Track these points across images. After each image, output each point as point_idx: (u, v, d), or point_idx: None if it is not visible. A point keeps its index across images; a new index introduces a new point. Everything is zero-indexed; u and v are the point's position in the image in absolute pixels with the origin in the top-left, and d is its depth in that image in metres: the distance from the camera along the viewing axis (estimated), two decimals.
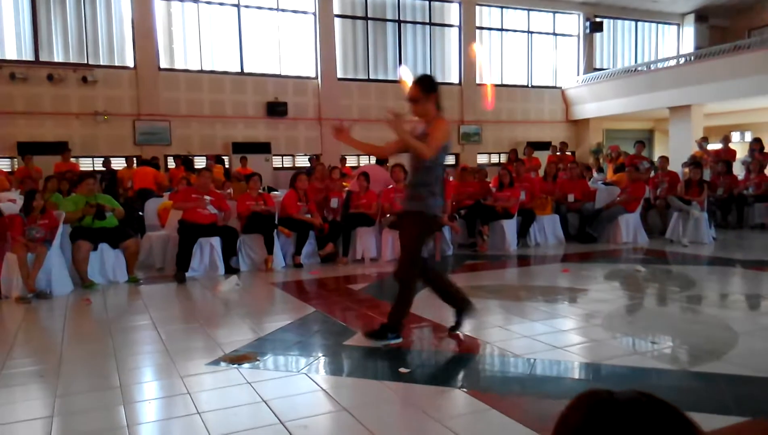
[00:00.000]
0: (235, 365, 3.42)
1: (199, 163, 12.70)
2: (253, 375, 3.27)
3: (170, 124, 13.55)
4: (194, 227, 6.48)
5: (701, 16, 19.15)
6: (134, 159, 12.01)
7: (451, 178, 9.68)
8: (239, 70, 14.43)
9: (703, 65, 14.87)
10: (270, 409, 2.78)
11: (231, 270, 6.58)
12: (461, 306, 3.99)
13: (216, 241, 6.59)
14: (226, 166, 13.48)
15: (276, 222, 7.06)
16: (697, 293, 5.32)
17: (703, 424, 2.34)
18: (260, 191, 7.60)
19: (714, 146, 12.30)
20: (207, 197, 6.70)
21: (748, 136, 15.00)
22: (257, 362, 3.50)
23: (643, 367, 3.35)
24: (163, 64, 13.75)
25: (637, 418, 0.72)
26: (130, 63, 13.39)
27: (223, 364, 3.47)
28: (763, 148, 10.76)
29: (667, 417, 0.72)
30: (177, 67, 13.92)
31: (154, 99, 13.49)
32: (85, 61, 12.94)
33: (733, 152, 11.55)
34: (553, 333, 4.05)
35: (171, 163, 13.05)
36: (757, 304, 4.98)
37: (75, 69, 12.73)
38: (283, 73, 14.86)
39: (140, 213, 8.15)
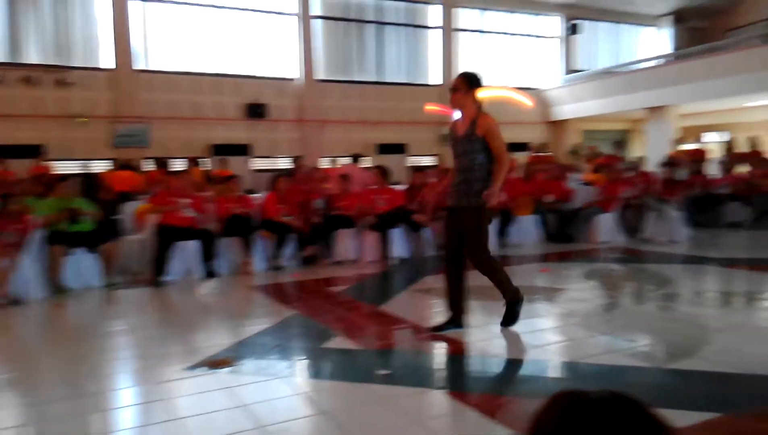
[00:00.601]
0: (214, 370, 3.39)
1: (178, 165, 12.57)
2: (232, 379, 3.25)
3: (148, 126, 13.39)
4: (172, 230, 6.42)
5: (679, 18, 19.44)
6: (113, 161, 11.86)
7: (431, 180, 9.71)
8: (218, 72, 14.32)
9: (680, 66, 15.11)
10: (249, 413, 2.76)
11: (210, 273, 6.53)
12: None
13: (194, 244, 6.52)
14: (206, 169, 13.36)
15: (256, 224, 7.02)
16: (672, 291, 5.40)
17: (677, 420, 2.38)
18: (240, 194, 7.54)
19: (689, 146, 12.50)
20: (185, 200, 6.63)
21: (723, 136, 15.27)
22: (236, 366, 3.47)
23: (620, 365, 3.39)
24: (140, 66, 13.60)
25: (610, 417, 0.73)
26: (107, 65, 13.22)
27: (201, 369, 3.44)
28: (736, 148, 10.96)
29: (639, 416, 0.74)
30: (154, 68, 13.77)
31: (132, 101, 13.32)
32: (61, 63, 12.74)
33: (709, 152, 11.75)
34: (532, 332, 4.08)
35: (150, 166, 12.89)
36: (730, 302, 5.07)
37: (51, 71, 12.52)
38: (263, 75, 14.78)
39: (118, 216, 8.04)
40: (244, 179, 11.19)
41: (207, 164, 13.72)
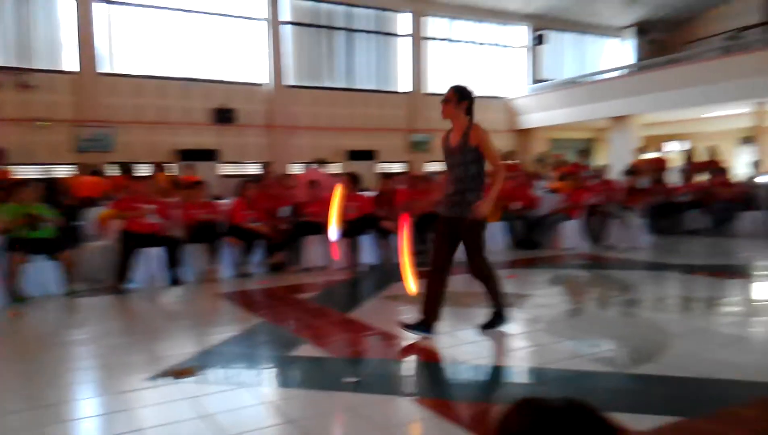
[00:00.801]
0: (178, 379, 3.34)
1: (144, 170, 12.35)
2: (197, 389, 3.20)
3: (112, 130, 13.13)
4: (136, 237, 6.30)
5: (641, 30, 19.98)
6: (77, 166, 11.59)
7: (400, 187, 9.75)
8: (185, 76, 14.15)
9: (642, 77, 15.53)
10: (213, 424, 2.72)
11: (175, 281, 6.42)
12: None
13: (159, 251, 6.41)
14: (172, 174, 13.15)
15: (223, 231, 6.94)
16: (634, 297, 5.53)
17: (638, 424, 2.43)
18: (206, 199, 7.45)
19: (651, 155, 12.83)
20: (150, 206, 6.52)
21: (683, 146, 15.72)
22: (200, 376, 3.42)
23: (584, 370, 3.46)
24: (105, 69, 13.34)
25: (567, 424, 0.76)
26: (70, 67, 12.93)
27: (164, 378, 3.37)
28: (695, 157, 11.29)
29: (594, 422, 0.77)
30: (119, 72, 13.53)
31: (96, 105, 13.05)
32: (23, 66, 12.41)
33: (669, 161, 12.07)
34: (499, 338, 4.13)
35: (114, 171, 12.63)
36: (689, 307, 5.21)
37: (12, 73, 12.18)
38: (231, 80, 14.66)
39: (80, 222, 7.86)
40: (211, 185, 11.07)
41: (173, 169, 13.52)
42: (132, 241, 6.25)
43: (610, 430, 0.76)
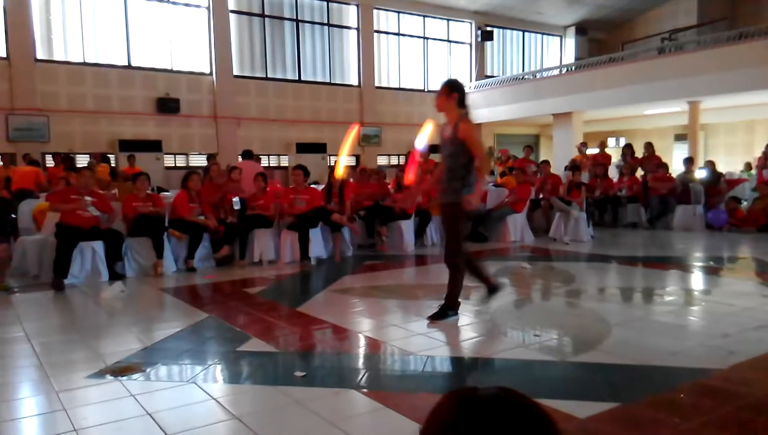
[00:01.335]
0: (119, 377, 3.23)
1: (82, 161, 11.88)
2: (139, 387, 3.10)
3: (48, 119, 12.56)
4: (74, 230, 6.05)
5: (581, 29, 20.59)
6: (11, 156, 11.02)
7: (351, 180, 9.73)
8: (127, 64, 13.66)
9: (583, 75, 16.01)
10: (155, 422, 2.65)
11: (116, 276, 6.20)
12: (490, 285, 4.49)
13: (98, 245, 6.18)
14: (113, 165, 12.71)
15: (166, 224, 6.75)
16: (576, 288, 5.71)
17: (580, 411, 2.51)
18: (149, 192, 7.23)
19: (592, 151, 13.25)
20: (88, 198, 6.27)
21: (622, 142, 16.32)
22: (143, 373, 3.32)
23: (528, 359, 3.55)
24: (41, 55, 12.73)
25: (498, 414, 0.77)
26: (3, 53, 12.27)
27: (105, 376, 3.26)
28: (634, 153, 11.73)
29: (525, 412, 0.78)
30: (56, 58, 12.94)
31: (30, 92, 12.45)
32: None
33: (609, 157, 12.51)
34: (447, 329, 4.18)
35: (50, 162, 12.10)
36: (629, 297, 5.42)
37: None
38: (175, 69, 14.25)
39: (13, 215, 7.49)
40: (154, 176, 10.75)
41: (114, 161, 13.07)
42: (70, 235, 6.00)
43: (539, 418, 0.78)
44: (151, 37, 13.95)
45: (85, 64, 13.17)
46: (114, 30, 13.51)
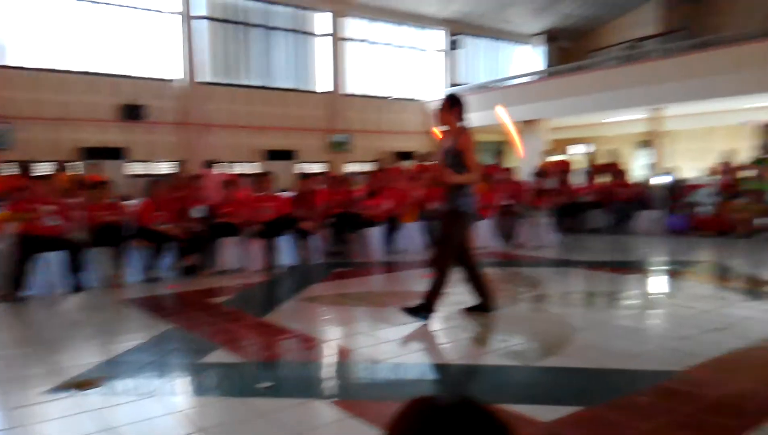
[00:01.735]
0: (79, 391, 3.15)
1: (44, 169, 11.57)
2: (99, 401, 3.03)
3: (9, 127, 12.21)
4: (34, 240, 5.88)
5: (549, 38, 20.95)
6: None
7: (320, 187, 9.70)
8: (90, 70, 13.37)
9: (549, 83, 16.29)
10: None
11: (77, 287, 6.05)
12: (485, 299, 4.61)
13: (59, 255, 6.02)
14: (76, 173, 12.41)
15: (130, 233, 6.61)
16: (542, 293, 5.79)
17: (545, 415, 2.53)
18: (112, 200, 7.08)
19: (557, 157, 13.48)
20: (49, 207, 6.11)
21: (587, 149, 16.62)
22: (104, 387, 3.24)
23: (495, 364, 3.58)
24: (0, 61, 12.38)
25: (457, 422, 0.78)
26: None
27: (63, 391, 3.17)
28: (598, 159, 11.97)
29: (483, 420, 0.79)
30: (15, 64, 12.59)
31: None
32: None
33: (574, 163, 12.73)
34: (413, 337, 4.19)
35: (11, 170, 11.74)
36: (593, 302, 5.51)
37: None
38: (140, 75, 14.00)
39: None
40: (118, 185, 10.53)
41: (77, 169, 12.77)
42: (30, 245, 5.84)
43: (498, 427, 0.79)
44: (116, 43, 13.69)
45: (46, 69, 12.86)
46: (77, 35, 13.23)
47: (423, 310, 4.43)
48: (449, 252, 4.44)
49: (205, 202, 7.61)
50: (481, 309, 4.66)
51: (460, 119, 4.46)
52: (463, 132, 4.41)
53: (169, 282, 6.54)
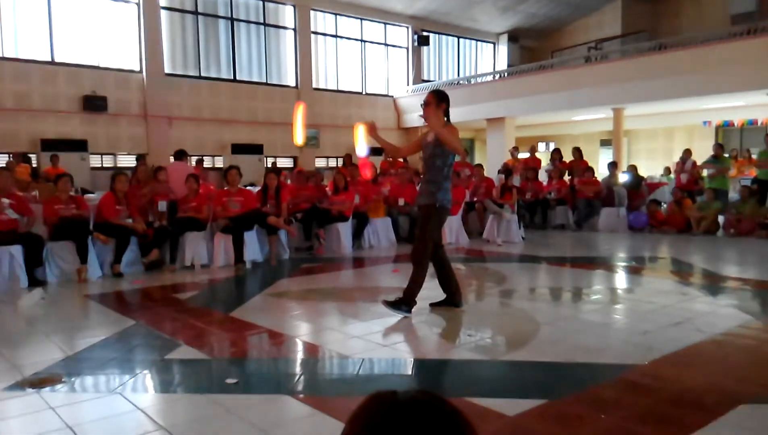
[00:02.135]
0: (37, 389, 3.06)
1: (1, 161, 11.20)
2: (59, 399, 2.95)
3: None
4: None
5: (513, 37, 21.21)
6: None
7: (288, 182, 9.63)
8: (49, 59, 12.98)
9: (514, 81, 16.50)
10: (81, 433, 2.53)
11: (35, 282, 5.88)
12: (453, 295, 4.67)
13: (17, 249, 5.84)
14: (34, 166, 12.04)
15: (91, 227, 6.45)
16: (508, 288, 5.87)
17: (510, 409, 2.56)
18: (72, 193, 6.89)
19: (523, 155, 13.65)
20: (6, 200, 5.92)
21: (552, 147, 16.90)
22: (64, 384, 3.16)
23: (461, 359, 3.61)
24: None
25: (416, 417, 0.78)
26: None
27: (23, 388, 3.08)
28: (562, 157, 12.17)
29: (442, 414, 0.80)
30: None
31: None
32: None
33: (539, 161, 12.93)
34: (383, 332, 4.20)
35: None
36: (558, 297, 5.61)
37: None
38: (102, 65, 13.65)
39: None
40: (79, 178, 10.25)
41: (35, 161, 12.39)
42: None
43: (457, 421, 0.80)
44: (76, 32, 13.31)
45: (3, 59, 12.42)
46: (36, 24, 12.81)
47: (403, 303, 4.47)
48: (427, 246, 4.46)
49: (169, 196, 7.46)
50: (449, 304, 4.70)
51: (446, 117, 4.48)
52: (450, 125, 4.47)
53: (132, 277, 6.41)
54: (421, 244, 4.48)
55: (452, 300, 4.71)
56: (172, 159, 10.95)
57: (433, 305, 4.73)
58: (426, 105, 4.46)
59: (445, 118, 4.47)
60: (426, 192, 4.45)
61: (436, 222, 4.48)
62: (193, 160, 13.25)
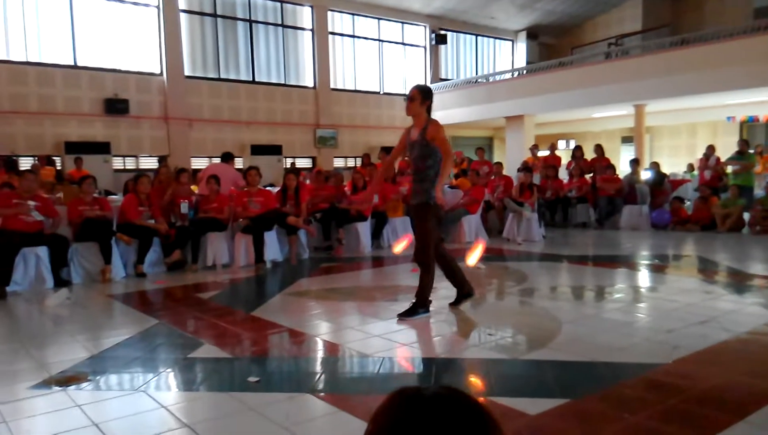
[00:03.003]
0: (64, 387, 3.11)
1: (26, 164, 11.42)
2: (85, 397, 3.00)
3: None
4: (16, 236, 5.80)
5: (532, 34, 21.04)
6: None
7: (307, 182, 9.67)
8: (72, 63, 13.19)
9: (534, 79, 16.36)
10: (102, 432, 2.57)
11: (61, 282, 5.98)
12: (462, 286, 4.63)
13: (43, 250, 5.95)
14: (59, 168, 12.25)
15: (114, 228, 6.55)
16: (529, 287, 5.82)
17: (530, 407, 2.55)
18: (96, 195, 7.00)
19: (543, 153, 13.55)
20: (31, 202, 6.03)
21: (572, 144, 16.73)
22: (89, 382, 3.21)
23: (482, 358, 3.59)
24: None
25: (440, 412, 0.78)
26: None
27: (49, 386, 3.14)
28: (583, 155, 12.04)
29: (467, 409, 0.79)
30: None
31: None
32: None
33: (559, 159, 12.81)
34: (402, 331, 4.20)
35: None
36: (579, 296, 5.56)
37: None
38: (123, 69, 13.84)
39: None
40: (102, 179, 10.41)
41: (60, 163, 12.60)
42: (12, 241, 5.76)
43: (481, 416, 0.79)
44: (98, 36, 13.52)
45: (27, 63, 12.67)
46: (59, 28, 13.04)
47: (419, 307, 4.47)
48: (429, 246, 4.43)
49: (190, 197, 7.54)
50: (464, 297, 4.68)
51: (430, 112, 4.43)
52: (432, 122, 4.38)
53: (155, 277, 6.49)
54: (422, 245, 4.42)
55: (463, 292, 4.67)
56: (218, 160, 11.00)
57: (451, 305, 4.71)
58: (411, 100, 4.40)
59: (428, 114, 4.42)
60: (419, 191, 4.39)
61: (434, 219, 4.42)
62: (215, 160, 13.36)
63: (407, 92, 4.52)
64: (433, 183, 4.32)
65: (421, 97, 4.37)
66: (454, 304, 4.70)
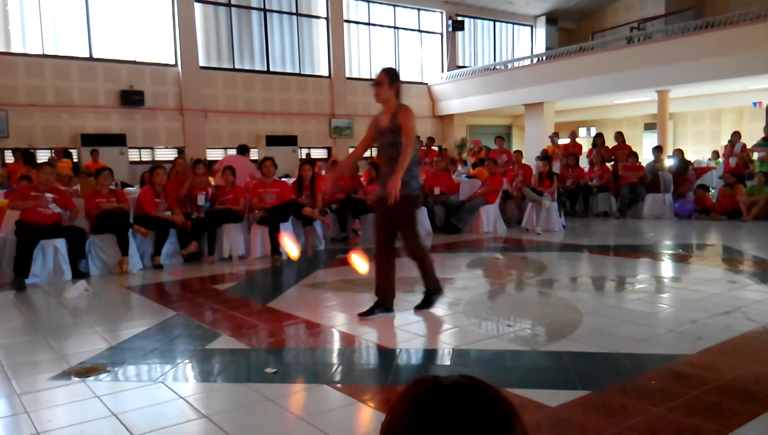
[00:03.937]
0: (83, 378, 3.13)
1: (43, 156, 11.54)
2: (104, 387, 3.01)
3: (7, 113, 12.16)
4: (35, 228, 5.85)
5: (551, 19, 20.71)
6: None
7: (322, 172, 9.64)
8: (88, 56, 13.28)
9: (553, 65, 16.11)
10: (121, 423, 2.57)
11: (79, 274, 6.03)
12: (390, 295, 4.32)
13: (61, 242, 6.00)
14: (75, 160, 12.38)
15: (131, 220, 6.58)
16: (548, 277, 5.74)
17: (550, 399, 2.49)
18: (112, 187, 7.03)
19: (563, 141, 13.36)
20: (49, 195, 6.08)
21: (593, 132, 16.50)
22: (108, 373, 3.22)
23: (501, 349, 3.54)
24: None
25: (459, 401, 0.77)
26: None
27: (69, 377, 3.15)
28: (604, 142, 11.85)
29: (486, 398, 0.78)
30: (14, 50, 12.51)
31: None
32: None
33: (580, 146, 12.63)
34: (419, 322, 4.16)
35: (9, 158, 11.71)
36: (601, 286, 5.46)
37: None
38: (138, 60, 13.90)
39: None
40: (118, 171, 10.48)
41: (76, 155, 12.73)
42: (30, 233, 5.81)
43: (500, 404, 0.78)
44: (113, 29, 13.58)
45: (44, 56, 12.77)
46: (74, 21, 13.11)
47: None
48: (416, 235, 4.25)
49: (206, 189, 7.55)
50: (379, 309, 4.27)
51: (399, 96, 4.17)
52: (403, 108, 4.10)
53: (171, 269, 6.52)
54: (410, 238, 4.20)
55: (387, 304, 4.28)
56: (233, 151, 11.01)
57: (361, 315, 4.24)
58: (378, 85, 4.10)
59: (397, 98, 4.15)
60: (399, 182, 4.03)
61: (415, 211, 4.22)
62: (231, 152, 13.40)
63: (404, 82, 4.22)
64: (410, 173, 4.04)
65: (389, 79, 4.09)
66: (365, 314, 4.24)
